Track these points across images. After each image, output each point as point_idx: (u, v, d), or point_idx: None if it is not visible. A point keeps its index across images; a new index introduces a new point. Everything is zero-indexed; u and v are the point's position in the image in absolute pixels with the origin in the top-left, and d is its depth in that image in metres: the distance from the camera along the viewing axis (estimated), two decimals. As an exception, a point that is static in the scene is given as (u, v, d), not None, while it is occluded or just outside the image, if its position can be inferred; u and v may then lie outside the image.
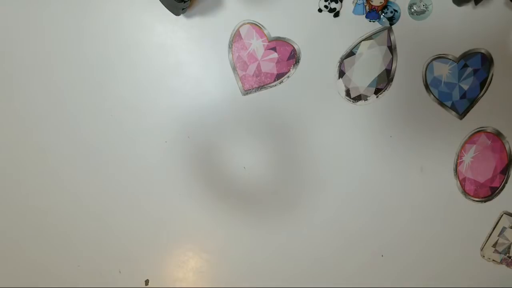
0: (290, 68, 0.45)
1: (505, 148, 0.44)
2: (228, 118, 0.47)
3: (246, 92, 0.46)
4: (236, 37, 0.45)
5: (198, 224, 0.50)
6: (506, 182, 0.45)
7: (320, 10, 0.43)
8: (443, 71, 0.43)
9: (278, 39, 0.44)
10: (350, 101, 0.45)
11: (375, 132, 0.45)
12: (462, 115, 0.44)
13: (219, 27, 0.45)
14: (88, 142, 0.51)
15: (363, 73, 0.44)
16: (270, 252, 0.50)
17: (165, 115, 0.49)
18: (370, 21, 0.42)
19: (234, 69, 0.46)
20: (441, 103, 0.43)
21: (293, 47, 0.44)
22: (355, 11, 0.42)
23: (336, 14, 0.42)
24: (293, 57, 0.44)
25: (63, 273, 0.58)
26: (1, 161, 0.56)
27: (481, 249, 0.47)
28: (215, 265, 0.51)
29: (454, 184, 0.46)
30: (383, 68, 0.43)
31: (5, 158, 0.55)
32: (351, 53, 0.43)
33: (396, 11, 0.42)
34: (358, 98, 0.45)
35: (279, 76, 0.45)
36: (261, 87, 0.46)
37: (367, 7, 0.42)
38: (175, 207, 0.50)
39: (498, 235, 0.46)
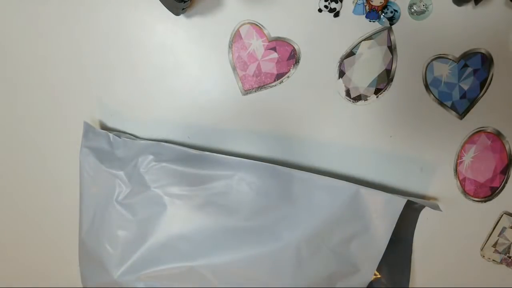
0: (290, 68, 0.45)
1: (505, 148, 0.44)
2: (228, 118, 0.47)
3: (246, 92, 0.46)
4: (236, 37, 0.45)
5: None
6: (506, 182, 0.45)
7: (320, 10, 0.43)
8: (443, 71, 0.43)
9: (278, 39, 0.44)
10: (350, 101, 0.45)
11: (375, 132, 0.45)
12: (462, 115, 0.44)
13: (219, 27, 0.45)
14: (88, 142, 0.51)
15: (363, 73, 0.44)
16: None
17: (165, 115, 0.49)
18: (370, 21, 0.42)
19: (234, 69, 0.46)
20: (441, 103, 0.43)
21: (293, 47, 0.44)
22: (355, 11, 0.42)
23: (336, 14, 0.42)
24: (293, 57, 0.44)
25: (63, 273, 0.58)
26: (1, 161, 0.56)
27: (481, 249, 0.47)
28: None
29: (454, 184, 0.46)
30: (383, 68, 0.43)
31: (5, 158, 0.55)
32: (351, 53, 0.43)
33: (396, 11, 0.42)
34: (358, 98, 0.45)
35: (279, 76, 0.45)
36: (261, 87, 0.46)
37: (367, 7, 0.42)
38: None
39: (498, 235, 0.46)
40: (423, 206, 0.45)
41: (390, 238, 0.42)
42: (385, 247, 0.42)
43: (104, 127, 0.51)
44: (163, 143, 0.46)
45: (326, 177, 0.43)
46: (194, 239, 0.43)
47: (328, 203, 0.42)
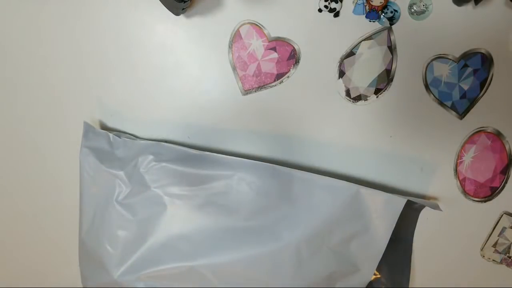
0: (290, 68, 0.45)
1: (505, 148, 0.44)
2: (228, 118, 0.47)
3: (246, 92, 0.46)
4: (236, 37, 0.45)
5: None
6: (506, 182, 0.45)
7: (320, 10, 0.43)
8: (443, 71, 0.43)
9: (278, 39, 0.44)
10: (350, 101, 0.45)
11: (375, 132, 0.45)
12: (462, 115, 0.44)
13: (219, 27, 0.45)
14: (88, 142, 0.51)
15: (363, 73, 0.44)
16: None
17: (165, 115, 0.49)
18: (370, 21, 0.42)
19: (234, 69, 0.46)
20: (441, 103, 0.43)
21: (293, 47, 0.44)
22: (355, 11, 0.42)
23: (336, 14, 0.42)
24: (293, 57, 0.44)
25: (63, 273, 0.58)
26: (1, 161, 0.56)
27: (481, 249, 0.47)
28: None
29: (454, 184, 0.46)
30: (383, 68, 0.43)
31: (5, 158, 0.55)
32: (351, 53, 0.43)
33: (396, 11, 0.42)
34: (358, 98, 0.45)
35: (279, 76, 0.45)
36: (261, 87, 0.46)
37: (367, 7, 0.42)
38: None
39: (498, 235, 0.46)
40: (423, 206, 0.45)
41: (390, 238, 0.42)
42: (385, 247, 0.42)
43: (104, 127, 0.51)
44: (163, 143, 0.46)
45: (326, 177, 0.43)
46: (194, 239, 0.43)
47: (328, 203, 0.42)
